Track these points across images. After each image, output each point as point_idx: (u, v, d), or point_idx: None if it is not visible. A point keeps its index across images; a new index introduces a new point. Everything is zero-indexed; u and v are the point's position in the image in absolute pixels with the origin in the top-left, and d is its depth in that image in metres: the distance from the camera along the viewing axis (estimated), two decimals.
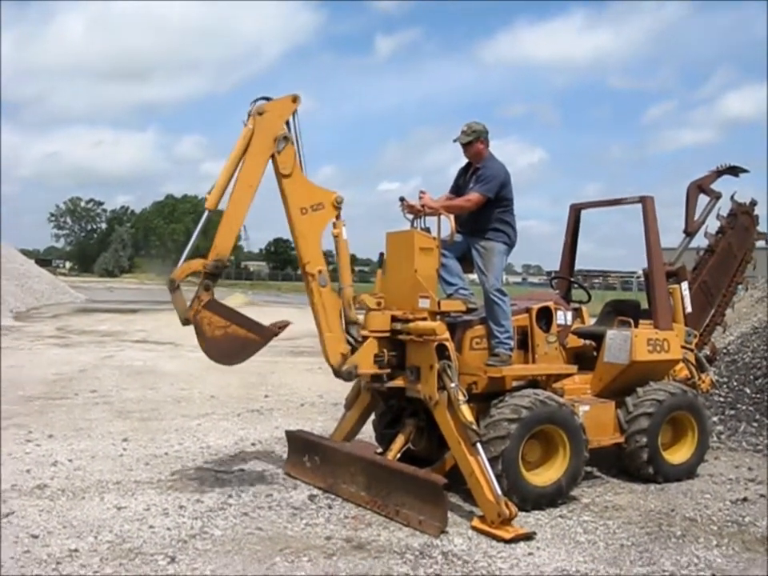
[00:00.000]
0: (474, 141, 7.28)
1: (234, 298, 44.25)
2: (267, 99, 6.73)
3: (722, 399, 10.38)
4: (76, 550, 5.48)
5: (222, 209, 6.65)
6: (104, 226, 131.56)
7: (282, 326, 6.67)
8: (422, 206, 7.09)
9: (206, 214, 6.65)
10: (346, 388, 8.06)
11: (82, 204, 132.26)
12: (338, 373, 6.74)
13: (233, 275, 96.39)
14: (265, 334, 6.61)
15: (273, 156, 6.66)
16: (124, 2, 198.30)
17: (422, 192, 7.19)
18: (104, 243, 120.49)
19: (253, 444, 9.02)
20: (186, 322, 6.58)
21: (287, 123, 6.80)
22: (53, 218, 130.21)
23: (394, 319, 6.75)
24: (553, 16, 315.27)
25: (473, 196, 7.13)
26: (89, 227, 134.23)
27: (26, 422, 9.92)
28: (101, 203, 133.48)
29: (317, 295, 6.75)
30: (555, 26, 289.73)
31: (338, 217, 6.86)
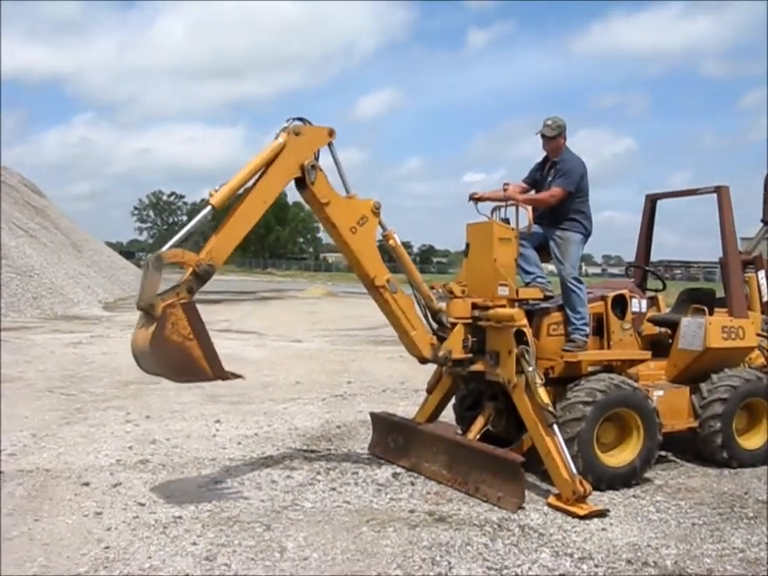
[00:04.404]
0: (558, 135, 7.54)
1: (315, 289, 45.07)
2: (303, 121, 6.59)
3: None
4: (180, 517, 5.94)
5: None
6: (185, 218, 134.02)
7: (235, 376, 6.23)
8: (506, 198, 7.38)
9: (208, 209, 6.29)
10: (425, 375, 8.38)
11: (164, 197, 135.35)
12: (434, 361, 7.11)
13: (312, 267, 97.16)
14: (215, 372, 5.99)
15: (301, 182, 6.51)
16: (221, 3, 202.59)
17: (506, 184, 7.51)
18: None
19: (338, 426, 9.42)
20: (147, 307, 5.78)
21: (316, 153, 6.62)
22: (136, 212, 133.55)
23: (474, 306, 7.02)
24: (648, 6, 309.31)
25: (556, 191, 7.39)
26: (170, 220, 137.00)
27: (124, 405, 10.51)
28: (182, 196, 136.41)
29: (392, 302, 6.89)
30: (650, 17, 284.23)
31: (381, 224, 6.88)
